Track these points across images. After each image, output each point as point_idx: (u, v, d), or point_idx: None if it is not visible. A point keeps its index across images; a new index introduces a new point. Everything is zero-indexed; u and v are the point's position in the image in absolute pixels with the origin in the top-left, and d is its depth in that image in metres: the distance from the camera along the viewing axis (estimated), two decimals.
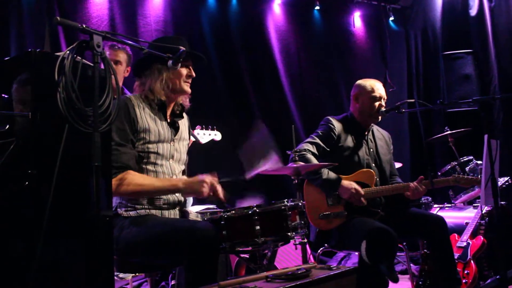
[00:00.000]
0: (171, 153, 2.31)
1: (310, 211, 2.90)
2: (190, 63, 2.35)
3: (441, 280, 2.89)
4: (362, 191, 2.85)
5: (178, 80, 2.30)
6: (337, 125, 3.05)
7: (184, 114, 2.47)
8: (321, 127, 3.09)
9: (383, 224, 2.69)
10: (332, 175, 2.90)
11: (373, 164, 3.08)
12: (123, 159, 2.09)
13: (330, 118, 3.10)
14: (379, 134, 3.24)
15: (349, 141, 3.05)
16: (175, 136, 2.36)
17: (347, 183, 2.86)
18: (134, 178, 2.09)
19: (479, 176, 3.21)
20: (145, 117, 2.24)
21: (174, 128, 2.37)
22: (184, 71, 2.31)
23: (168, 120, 2.35)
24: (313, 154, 2.93)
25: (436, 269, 2.96)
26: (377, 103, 3.07)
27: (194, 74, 2.37)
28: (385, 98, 3.13)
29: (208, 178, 2.14)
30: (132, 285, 3.22)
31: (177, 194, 2.30)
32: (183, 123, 2.46)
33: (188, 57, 2.30)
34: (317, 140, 2.99)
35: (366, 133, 3.15)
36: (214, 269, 1.96)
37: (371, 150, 3.12)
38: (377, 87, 3.11)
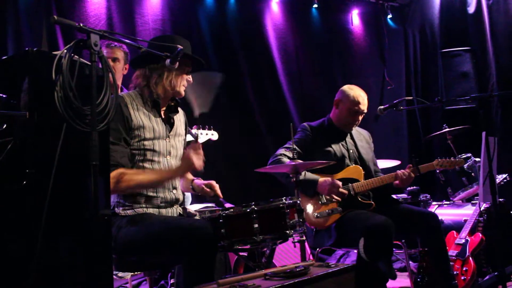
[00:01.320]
0: (167, 149, 2.31)
1: (305, 213, 2.91)
2: (191, 69, 2.36)
3: (436, 276, 2.90)
4: (338, 182, 2.87)
5: (180, 83, 2.31)
6: (313, 131, 3.10)
7: (180, 109, 2.47)
8: (298, 134, 3.14)
9: (381, 217, 2.69)
10: (310, 175, 2.93)
11: (353, 165, 3.10)
12: (115, 158, 2.09)
13: (306, 125, 3.15)
14: (358, 135, 3.26)
15: (326, 146, 3.07)
16: (170, 132, 2.35)
17: (322, 180, 2.89)
18: (129, 175, 2.10)
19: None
20: (139, 114, 2.24)
21: (169, 124, 2.37)
22: (186, 77, 2.32)
23: (163, 116, 2.34)
24: (288, 158, 2.93)
25: (431, 265, 2.98)
26: (354, 117, 3.09)
27: (192, 81, 2.36)
28: (365, 112, 3.13)
29: (191, 151, 2.16)
30: (131, 284, 3.22)
31: (174, 192, 2.31)
32: (179, 119, 2.45)
33: (189, 62, 2.31)
34: (293, 146, 3.00)
35: (344, 136, 3.17)
36: (212, 268, 1.97)
37: (351, 151, 3.14)
38: (360, 101, 3.07)
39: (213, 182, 2.35)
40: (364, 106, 3.09)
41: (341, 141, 3.14)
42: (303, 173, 2.90)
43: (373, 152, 3.30)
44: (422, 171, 2.99)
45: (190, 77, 2.36)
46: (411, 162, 2.98)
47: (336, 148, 3.08)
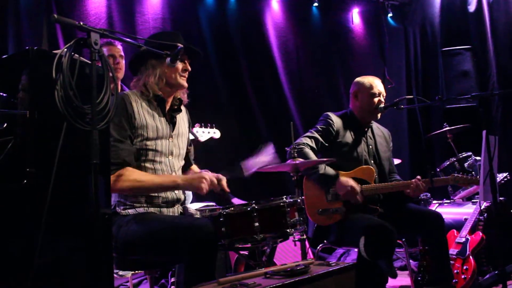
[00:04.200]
0: (170, 149, 2.30)
1: (309, 206, 2.90)
2: (186, 57, 2.33)
3: (435, 276, 2.90)
4: (358, 188, 2.84)
5: (173, 74, 2.27)
6: (336, 121, 3.06)
7: (183, 108, 2.45)
8: (320, 122, 3.10)
9: (382, 220, 2.70)
10: (330, 170, 2.89)
11: (372, 161, 3.09)
12: (121, 155, 2.08)
13: (329, 114, 3.10)
14: (379, 132, 3.25)
15: (348, 137, 3.05)
16: (173, 131, 2.34)
17: (344, 179, 2.84)
18: (133, 174, 2.09)
19: (477, 176, 3.21)
20: (143, 112, 2.23)
21: (172, 123, 2.36)
22: (179, 65, 2.28)
23: (167, 116, 2.33)
24: (311, 148, 2.92)
25: (431, 264, 2.98)
26: (376, 99, 3.09)
27: (190, 68, 2.33)
28: (384, 94, 3.15)
29: (207, 175, 2.14)
30: (132, 283, 3.22)
31: (176, 192, 2.30)
32: (181, 118, 2.44)
33: (184, 51, 2.29)
34: (316, 135, 2.99)
35: (365, 129, 3.15)
36: (213, 266, 1.96)
37: (370, 147, 3.12)
38: (376, 84, 3.12)
39: (220, 176, 2.33)
40: (381, 87, 3.14)
41: (362, 135, 3.11)
42: (323, 166, 2.88)
43: (390, 151, 3.27)
44: (436, 184, 2.94)
45: (187, 66, 2.32)
46: (427, 175, 2.93)
47: (357, 142, 3.06)
